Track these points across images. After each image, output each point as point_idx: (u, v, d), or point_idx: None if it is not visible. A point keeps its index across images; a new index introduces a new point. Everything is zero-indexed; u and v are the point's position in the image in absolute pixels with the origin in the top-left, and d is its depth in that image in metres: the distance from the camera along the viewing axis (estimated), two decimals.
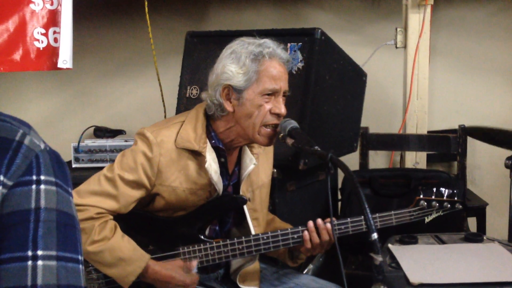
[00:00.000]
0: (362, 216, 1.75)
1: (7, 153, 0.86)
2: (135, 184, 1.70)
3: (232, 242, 1.76)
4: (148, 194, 1.75)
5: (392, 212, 1.89)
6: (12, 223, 0.84)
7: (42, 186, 0.87)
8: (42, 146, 0.90)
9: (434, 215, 1.95)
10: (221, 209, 1.82)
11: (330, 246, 1.80)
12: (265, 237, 1.77)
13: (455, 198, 1.94)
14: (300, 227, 1.79)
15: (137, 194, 1.72)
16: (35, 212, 0.86)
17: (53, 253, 0.86)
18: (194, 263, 1.74)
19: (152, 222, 1.80)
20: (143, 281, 1.70)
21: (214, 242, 1.77)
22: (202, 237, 1.79)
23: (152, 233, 1.78)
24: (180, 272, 1.72)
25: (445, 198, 1.94)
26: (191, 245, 1.77)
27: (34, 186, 0.87)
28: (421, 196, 1.93)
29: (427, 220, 1.95)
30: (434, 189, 1.95)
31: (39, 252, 0.85)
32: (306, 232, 1.76)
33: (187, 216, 1.79)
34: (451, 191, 1.94)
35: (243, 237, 1.77)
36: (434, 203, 1.93)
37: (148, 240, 1.73)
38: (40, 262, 0.84)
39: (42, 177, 0.88)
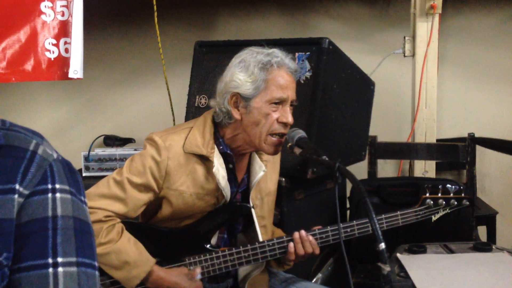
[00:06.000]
0: (367, 219, 1.75)
1: (22, 162, 0.88)
2: (143, 188, 1.72)
3: (238, 250, 1.77)
4: (156, 198, 1.76)
5: (398, 212, 1.88)
6: (30, 231, 0.86)
7: (58, 195, 0.90)
8: (55, 155, 0.92)
9: (441, 213, 1.91)
10: (225, 218, 1.82)
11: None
12: (270, 244, 1.78)
13: (462, 195, 1.90)
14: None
15: (145, 197, 1.73)
16: (52, 220, 0.88)
17: (73, 259, 0.88)
18: (198, 271, 1.75)
19: (157, 234, 1.81)
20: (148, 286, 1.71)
21: (220, 251, 1.78)
22: (207, 246, 1.80)
23: (157, 246, 1.78)
24: (185, 279, 1.73)
25: (451, 195, 1.90)
26: (197, 255, 1.78)
27: (50, 195, 0.89)
28: (427, 195, 1.90)
29: (434, 218, 1.91)
30: (440, 186, 1.91)
31: (59, 259, 0.87)
32: (291, 244, 1.77)
33: (191, 227, 1.80)
34: (457, 187, 1.91)
35: (249, 245, 1.77)
36: (440, 201, 1.89)
37: (154, 253, 1.73)
38: (60, 269, 0.86)
39: (57, 186, 0.90)
